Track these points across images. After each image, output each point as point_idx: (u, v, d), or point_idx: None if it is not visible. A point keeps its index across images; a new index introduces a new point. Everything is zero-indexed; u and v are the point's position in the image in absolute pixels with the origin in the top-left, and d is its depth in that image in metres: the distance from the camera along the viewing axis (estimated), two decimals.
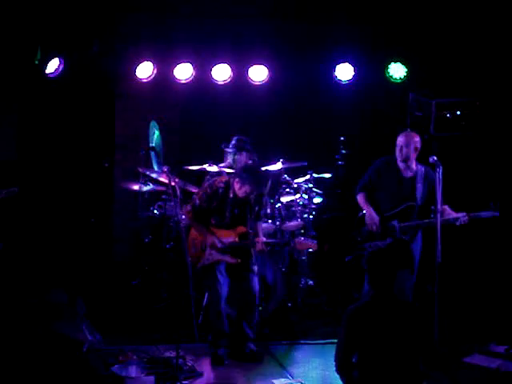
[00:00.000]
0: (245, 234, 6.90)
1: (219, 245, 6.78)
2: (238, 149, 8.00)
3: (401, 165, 7.18)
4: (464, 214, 6.92)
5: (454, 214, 6.95)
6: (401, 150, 7.12)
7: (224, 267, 6.86)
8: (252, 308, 6.97)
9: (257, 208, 6.97)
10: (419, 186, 7.14)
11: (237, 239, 6.85)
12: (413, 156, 7.14)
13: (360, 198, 7.30)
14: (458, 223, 6.92)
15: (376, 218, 7.15)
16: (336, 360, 4.98)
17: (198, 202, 6.84)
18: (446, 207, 6.98)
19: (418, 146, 7.15)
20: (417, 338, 4.88)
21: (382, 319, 4.88)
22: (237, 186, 6.75)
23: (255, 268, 6.96)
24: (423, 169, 7.17)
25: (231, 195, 6.79)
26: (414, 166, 7.19)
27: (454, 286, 8.13)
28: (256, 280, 6.97)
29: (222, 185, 6.85)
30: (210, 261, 6.82)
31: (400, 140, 7.14)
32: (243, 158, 7.99)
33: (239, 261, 6.83)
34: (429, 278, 6.84)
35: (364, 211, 7.24)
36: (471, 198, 7.35)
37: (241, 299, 6.94)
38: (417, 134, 7.24)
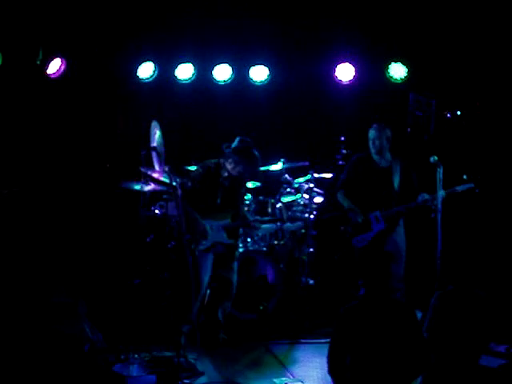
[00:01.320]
0: (236, 216, 7.05)
1: (210, 233, 6.92)
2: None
3: (375, 157, 7.42)
4: (441, 191, 7.03)
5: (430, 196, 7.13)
6: (373, 142, 7.36)
7: (212, 257, 6.92)
8: (230, 297, 7.21)
9: (243, 191, 7.17)
10: (396, 175, 7.35)
11: (230, 221, 7.04)
12: (386, 147, 7.37)
13: (339, 196, 7.55)
14: (435, 201, 7.00)
15: (356, 208, 7.35)
16: (328, 362, 4.95)
17: (190, 184, 6.95)
18: (424, 194, 7.17)
19: (390, 136, 7.38)
20: (408, 337, 4.84)
21: (374, 320, 4.85)
22: (230, 166, 6.88)
23: (237, 253, 7.24)
24: (399, 160, 7.38)
25: (225, 174, 6.87)
26: (388, 156, 7.41)
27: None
28: (237, 268, 7.22)
29: (212, 165, 6.96)
30: (209, 243, 6.95)
31: (372, 133, 7.38)
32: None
33: (234, 242, 7.08)
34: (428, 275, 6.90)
35: (345, 206, 7.45)
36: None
37: (220, 288, 7.13)
38: (387, 125, 7.44)
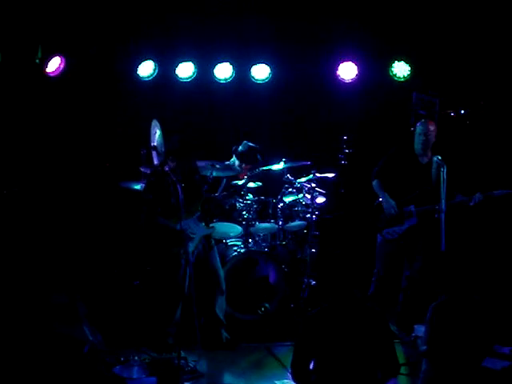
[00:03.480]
0: (204, 202, 7.11)
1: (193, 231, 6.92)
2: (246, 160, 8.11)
3: (419, 152, 7.42)
4: (478, 193, 7.19)
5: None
6: (426, 136, 7.35)
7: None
8: (222, 291, 7.17)
9: (197, 177, 7.14)
10: (433, 172, 7.35)
11: (201, 210, 7.05)
12: (431, 143, 7.39)
13: (375, 185, 7.53)
14: (471, 203, 7.21)
15: (392, 202, 7.38)
16: (292, 367, 4.87)
17: (150, 196, 6.91)
18: (459, 194, 7.27)
19: (436, 134, 7.46)
20: (376, 344, 4.77)
21: (339, 324, 4.77)
22: (172, 165, 6.87)
23: (213, 241, 7.19)
24: (434, 157, 7.35)
25: (173, 176, 6.85)
26: (429, 153, 7.42)
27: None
28: (217, 256, 7.20)
29: (159, 169, 6.95)
30: (197, 239, 6.91)
31: (422, 128, 7.39)
32: (249, 167, 8.09)
33: (213, 228, 7.14)
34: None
35: (380, 198, 7.46)
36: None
37: (208, 284, 7.07)
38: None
